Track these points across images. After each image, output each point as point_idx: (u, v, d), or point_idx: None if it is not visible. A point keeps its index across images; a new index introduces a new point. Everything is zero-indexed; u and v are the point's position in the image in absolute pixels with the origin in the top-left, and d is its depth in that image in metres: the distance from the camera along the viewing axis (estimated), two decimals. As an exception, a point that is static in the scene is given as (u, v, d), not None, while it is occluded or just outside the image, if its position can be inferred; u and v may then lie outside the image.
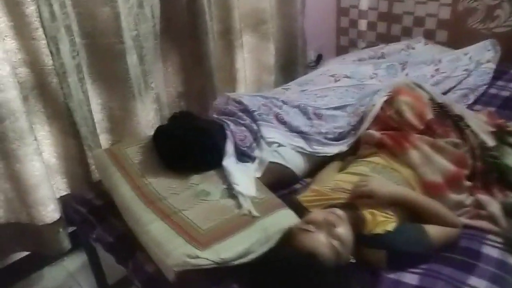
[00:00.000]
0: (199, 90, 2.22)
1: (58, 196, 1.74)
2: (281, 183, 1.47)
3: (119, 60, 1.72)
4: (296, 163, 1.49)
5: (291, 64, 2.68)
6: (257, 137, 1.46)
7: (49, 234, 1.71)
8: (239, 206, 1.20)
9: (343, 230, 1.05)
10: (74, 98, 1.65)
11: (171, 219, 1.16)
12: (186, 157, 1.32)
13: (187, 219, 1.16)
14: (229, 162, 1.35)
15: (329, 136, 1.58)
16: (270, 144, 1.45)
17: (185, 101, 2.23)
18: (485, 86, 1.99)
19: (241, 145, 1.42)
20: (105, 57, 1.71)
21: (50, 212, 1.65)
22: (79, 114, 1.69)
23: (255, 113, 1.49)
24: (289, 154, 1.48)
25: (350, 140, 1.60)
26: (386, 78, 1.90)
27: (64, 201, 1.74)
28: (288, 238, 1.07)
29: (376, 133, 1.44)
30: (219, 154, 1.38)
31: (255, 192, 1.25)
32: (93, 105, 1.78)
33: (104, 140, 1.88)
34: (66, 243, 1.79)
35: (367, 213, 1.15)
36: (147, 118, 1.93)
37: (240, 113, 1.50)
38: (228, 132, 1.43)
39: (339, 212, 1.09)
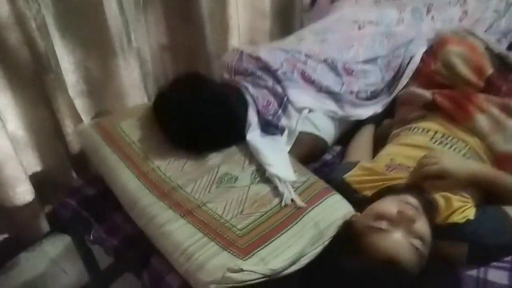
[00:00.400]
0: (186, 42, 1.89)
1: (30, 173, 1.46)
2: (311, 156, 1.22)
3: (95, 8, 1.36)
4: (328, 130, 1.24)
5: (288, 7, 2.35)
6: (283, 102, 1.18)
7: (23, 216, 1.45)
8: (277, 194, 0.95)
9: (423, 225, 0.82)
10: (42, 57, 1.30)
11: (194, 216, 0.90)
12: (201, 132, 1.04)
13: (216, 215, 0.90)
14: (254, 135, 1.09)
15: (361, 95, 1.32)
16: (299, 110, 1.18)
17: (169, 55, 1.90)
18: (517, 30, 1.76)
19: (266, 113, 1.14)
20: (77, 4, 1.35)
21: (20, 194, 1.39)
22: (49, 77, 1.36)
23: (279, 71, 1.20)
24: (320, 120, 1.22)
25: (384, 100, 1.35)
26: (413, 23, 1.62)
27: (37, 178, 1.46)
28: (351, 237, 0.84)
29: (426, 92, 1.20)
30: (241, 126, 1.10)
31: (293, 174, 0.99)
32: (65, 64, 1.44)
33: (80, 105, 1.56)
34: (44, 225, 1.53)
35: (439, 198, 0.93)
36: (131, 77, 1.60)
37: (260, 72, 1.20)
38: (248, 98, 1.15)
39: (413, 200, 0.86)
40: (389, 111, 1.35)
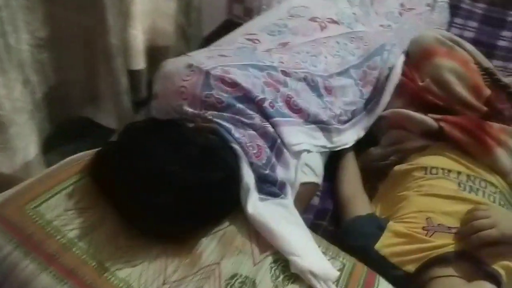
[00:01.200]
0: (77, 34, 1.40)
1: None
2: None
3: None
4: (320, 170, 0.98)
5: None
6: (275, 145, 0.87)
7: None
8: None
9: None
10: None
11: None
12: (188, 206, 0.69)
13: None
14: (256, 205, 0.77)
15: (343, 118, 1.09)
16: (297, 154, 0.89)
17: (49, 53, 1.38)
18: (446, 25, 1.72)
19: (260, 165, 0.82)
20: None
21: None
22: None
23: (266, 102, 0.88)
24: (314, 161, 0.95)
25: (364, 121, 1.14)
26: (365, 19, 1.43)
27: None
28: None
29: (426, 118, 1.02)
30: (237, 190, 0.77)
31: (331, 265, 0.72)
32: None
33: None
34: None
35: (499, 269, 0.77)
36: (12, 96, 1.09)
37: (240, 105, 0.86)
38: (235, 146, 0.81)
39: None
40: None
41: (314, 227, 0.91)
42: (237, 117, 0.85)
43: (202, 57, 0.99)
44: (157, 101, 1.00)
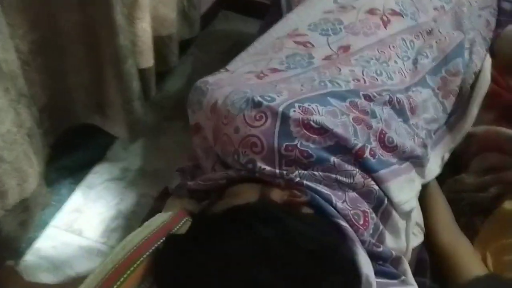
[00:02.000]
0: (77, 35, 1.17)
1: None
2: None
3: None
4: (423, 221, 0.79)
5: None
6: (381, 207, 0.67)
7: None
8: None
9: None
10: None
11: None
12: None
13: None
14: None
15: (427, 141, 0.89)
16: (407, 214, 0.69)
17: (44, 58, 1.15)
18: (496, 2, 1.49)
19: (372, 242, 0.62)
20: None
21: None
22: None
23: (367, 151, 0.67)
24: (419, 213, 0.76)
25: (449, 140, 0.95)
26: (421, 5, 1.19)
27: None
28: None
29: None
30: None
31: None
32: None
33: None
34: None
35: None
36: (1, 131, 0.86)
37: (334, 159, 0.65)
38: (343, 225, 0.60)
39: None
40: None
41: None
42: (333, 175, 0.64)
43: (256, 82, 0.76)
44: (203, 140, 0.78)
